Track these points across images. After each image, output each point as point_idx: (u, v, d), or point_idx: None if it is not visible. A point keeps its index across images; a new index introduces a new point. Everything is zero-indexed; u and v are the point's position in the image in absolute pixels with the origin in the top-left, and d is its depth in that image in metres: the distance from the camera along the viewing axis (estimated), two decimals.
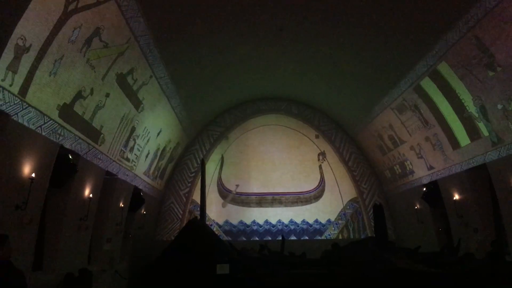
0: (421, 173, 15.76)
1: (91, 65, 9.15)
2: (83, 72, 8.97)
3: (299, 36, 13.25)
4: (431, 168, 14.95)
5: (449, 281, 3.51)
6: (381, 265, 4.56)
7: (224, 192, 20.27)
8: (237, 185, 20.30)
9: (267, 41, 13.77)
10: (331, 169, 20.54)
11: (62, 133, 9.01)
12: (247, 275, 8.81)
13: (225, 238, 18.65)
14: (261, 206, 20.12)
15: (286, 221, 19.92)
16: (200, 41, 12.65)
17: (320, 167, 20.63)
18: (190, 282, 13.61)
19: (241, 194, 20.26)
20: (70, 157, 9.81)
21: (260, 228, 19.82)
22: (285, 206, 20.10)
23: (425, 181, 15.53)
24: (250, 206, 20.11)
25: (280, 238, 14.65)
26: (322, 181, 20.43)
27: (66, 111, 8.90)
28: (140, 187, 15.57)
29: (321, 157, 20.77)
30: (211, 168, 20.25)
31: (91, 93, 9.65)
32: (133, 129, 12.93)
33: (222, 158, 20.66)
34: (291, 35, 13.18)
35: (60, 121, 8.78)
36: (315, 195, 20.21)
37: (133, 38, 10.21)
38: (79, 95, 9.18)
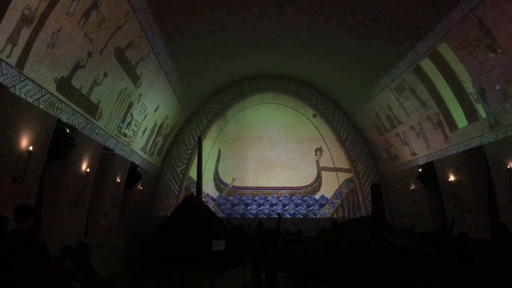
0: (417, 154, 15.82)
1: (89, 38, 9.04)
2: (81, 45, 8.86)
3: (299, 14, 13.08)
4: (426, 149, 15.00)
5: (446, 260, 3.55)
6: (378, 243, 4.59)
7: (221, 186, 20.32)
8: (234, 179, 20.27)
9: (267, 18, 13.58)
10: (328, 148, 20.57)
11: (59, 107, 8.96)
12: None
13: (220, 213, 18.81)
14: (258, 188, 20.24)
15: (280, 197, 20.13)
16: (199, 16, 12.47)
17: (317, 162, 20.56)
18: (186, 258, 13.81)
19: (238, 188, 20.25)
20: (68, 131, 9.78)
21: (255, 203, 19.98)
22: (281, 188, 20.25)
23: (421, 162, 15.61)
24: (247, 190, 20.24)
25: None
26: (318, 176, 20.38)
27: (64, 85, 8.82)
28: (137, 162, 15.58)
29: (318, 153, 20.71)
30: (208, 145, 20.26)
31: (89, 67, 9.56)
32: (130, 105, 12.85)
33: (219, 152, 20.55)
34: (291, 12, 13.00)
35: (58, 94, 8.72)
36: (313, 188, 20.27)
37: (132, 11, 10.05)
38: (76, 69, 9.09)
